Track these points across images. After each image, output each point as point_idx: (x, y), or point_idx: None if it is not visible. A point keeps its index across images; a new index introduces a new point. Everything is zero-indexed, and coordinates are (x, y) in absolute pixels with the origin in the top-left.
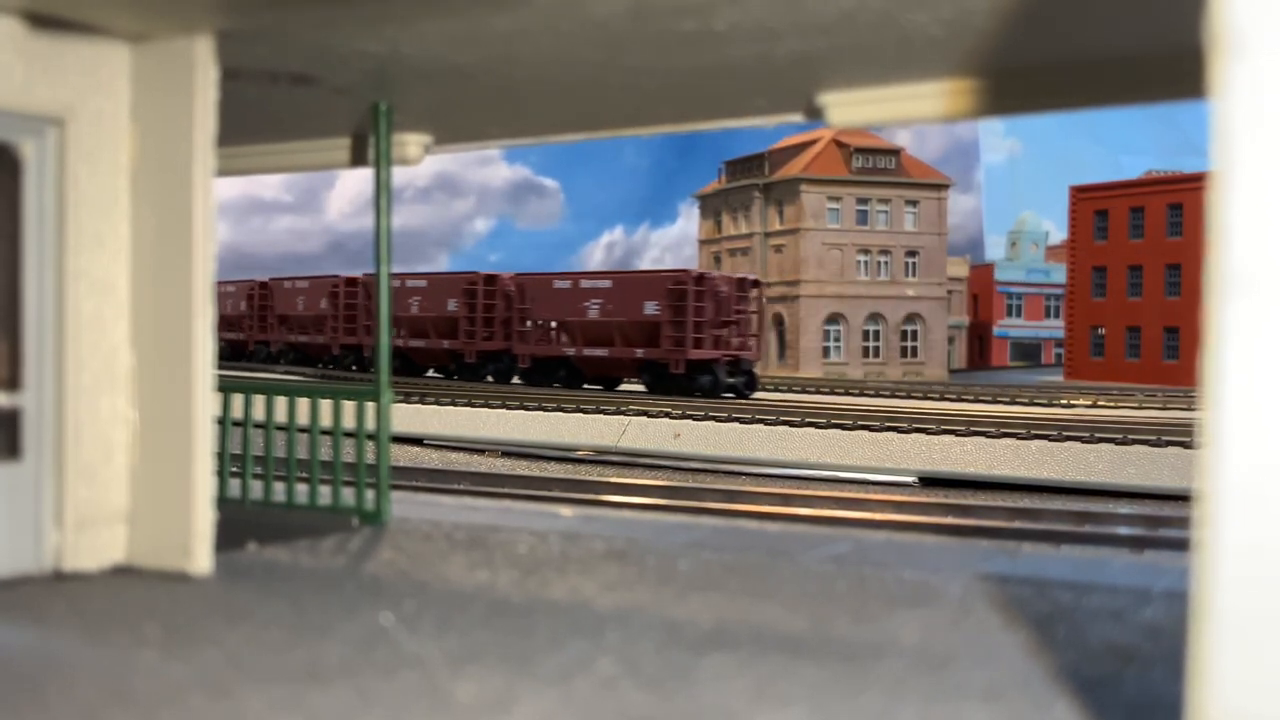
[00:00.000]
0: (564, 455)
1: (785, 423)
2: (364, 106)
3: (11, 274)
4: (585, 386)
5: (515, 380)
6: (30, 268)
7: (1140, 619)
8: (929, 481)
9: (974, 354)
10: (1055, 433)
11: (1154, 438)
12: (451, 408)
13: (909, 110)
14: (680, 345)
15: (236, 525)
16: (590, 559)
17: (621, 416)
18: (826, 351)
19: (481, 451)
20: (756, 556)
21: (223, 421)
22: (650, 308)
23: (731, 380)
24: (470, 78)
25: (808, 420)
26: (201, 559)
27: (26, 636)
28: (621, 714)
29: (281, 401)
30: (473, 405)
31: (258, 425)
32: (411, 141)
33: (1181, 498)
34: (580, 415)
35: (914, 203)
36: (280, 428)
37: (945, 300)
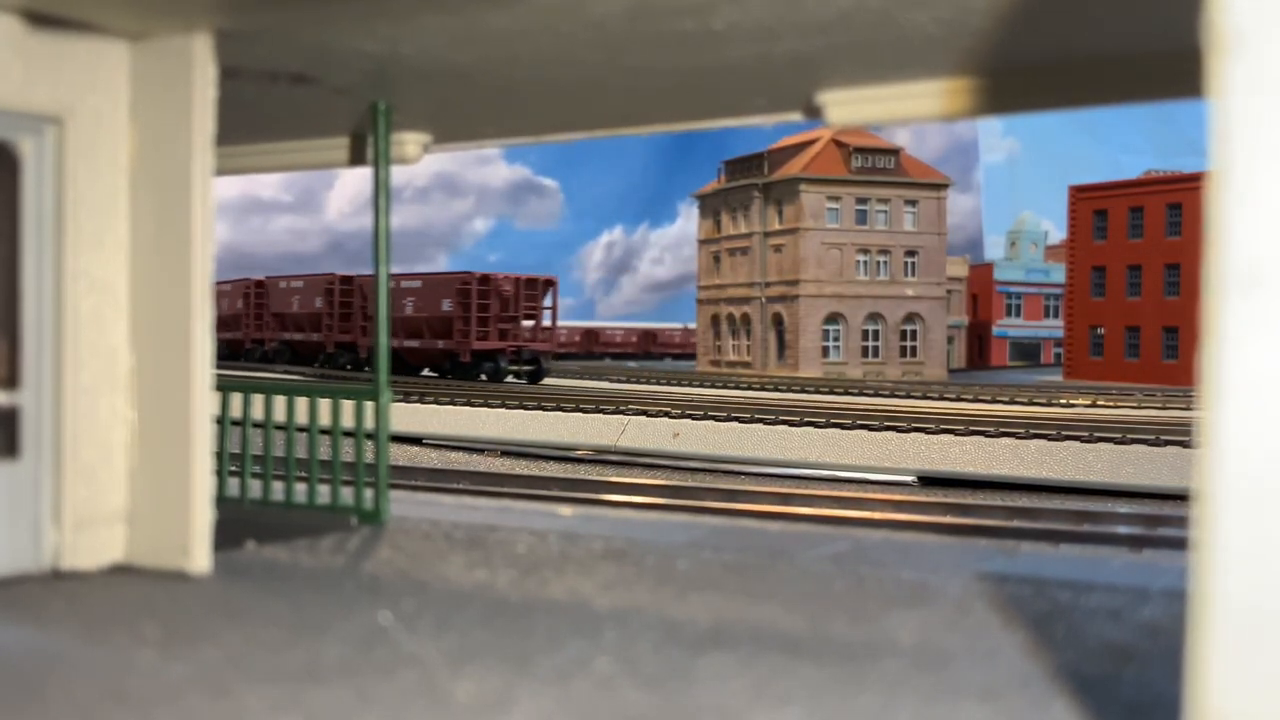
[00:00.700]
0: (563, 455)
1: (784, 422)
2: (363, 106)
3: (10, 273)
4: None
5: (366, 369)
6: (29, 267)
7: (1139, 618)
8: (928, 481)
9: (973, 354)
10: (1054, 432)
11: (1153, 437)
12: (451, 407)
13: (908, 109)
14: (467, 337)
15: (235, 524)
16: (589, 558)
17: (620, 416)
18: (826, 351)
19: (480, 451)
20: (755, 556)
21: (222, 421)
22: (446, 305)
23: (513, 368)
24: (469, 77)
25: (807, 420)
26: (200, 558)
27: (25, 636)
28: (620, 713)
29: (280, 401)
30: (472, 405)
31: (256, 425)
32: (410, 141)
33: (1180, 497)
34: (579, 415)
35: (913, 202)
36: (279, 427)
37: (944, 300)
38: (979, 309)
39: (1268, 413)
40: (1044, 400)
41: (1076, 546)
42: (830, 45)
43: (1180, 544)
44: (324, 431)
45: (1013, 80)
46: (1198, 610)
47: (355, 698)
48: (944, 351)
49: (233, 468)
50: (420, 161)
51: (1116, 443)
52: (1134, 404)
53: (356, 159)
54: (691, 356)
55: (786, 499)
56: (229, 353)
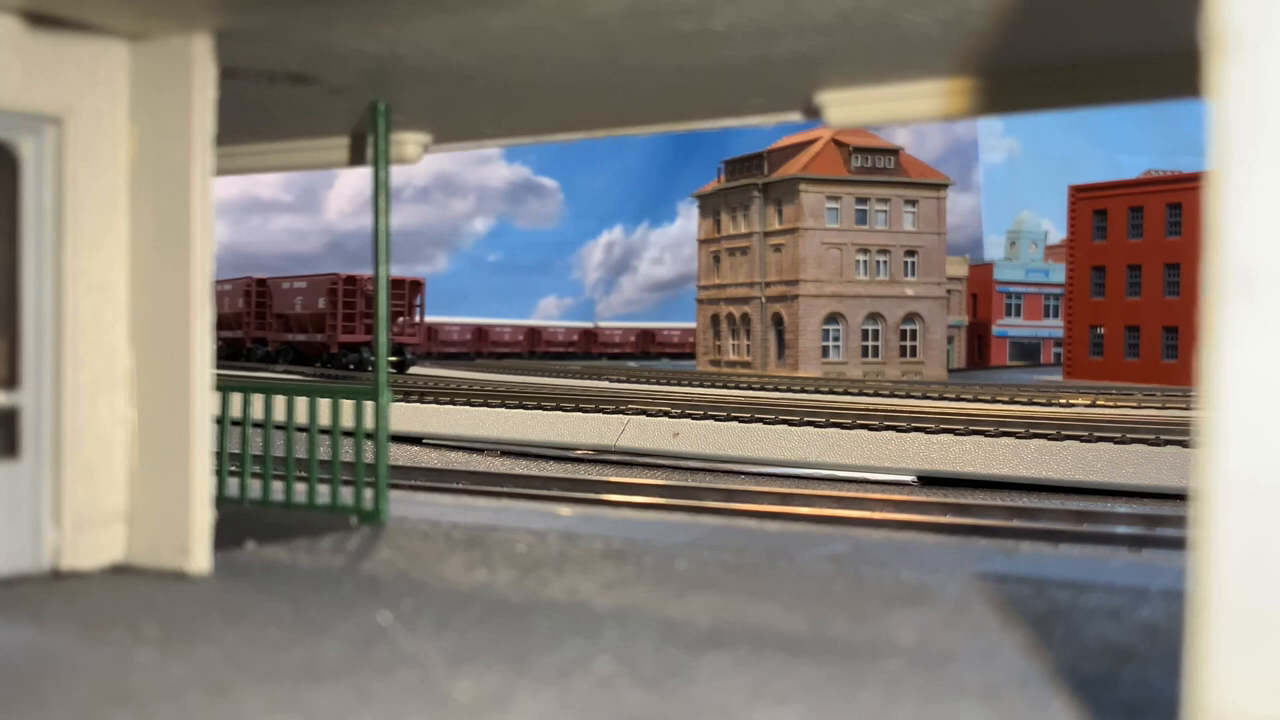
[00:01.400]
0: (563, 454)
1: (784, 422)
2: (362, 106)
3: (10, 273)
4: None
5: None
6: (29, 267)
7: (1138, 618)
8: (928, 480)
9: (973, 353)
10: (1054, 432)
11: (1152, 437)
12: (450, 406)
13: (907, 109)
14: (335, 331)
15: (235, 524)
16: (588, 558)
17: (620, 416)
18: (825, 351)
19: (480, 451)
20: (754, 556)
21: (221, 421)
22: (321, 303)
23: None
24: (469, 77)
25: (806, 419)
26: (200, 558)
27: (25, 635)
28: (619, 713)
29: (280, 400)
30: (471, 405)
31: (256, 424)
32: (410, 141)
33: (1180, 497)
34: (579, 414)
35: (913, 202)
36: (279, 427)
37: (944, 300)
38: (979, 309)
39: (1267, 413)
40: (1044, 400)
41: (1076, 546)
42: (830, 45)
43: (1180, 544)
44: (324, 431)
45: (1013, 80)
46: (1197, 610)
47: (354, 697)
48: (944, 351)
49: (232, 468)
50: (420, 161)
51: (1116, 442)
52: (1134, 404)
53: (356, 159)
54: (690, 356)
55: (786, 499)
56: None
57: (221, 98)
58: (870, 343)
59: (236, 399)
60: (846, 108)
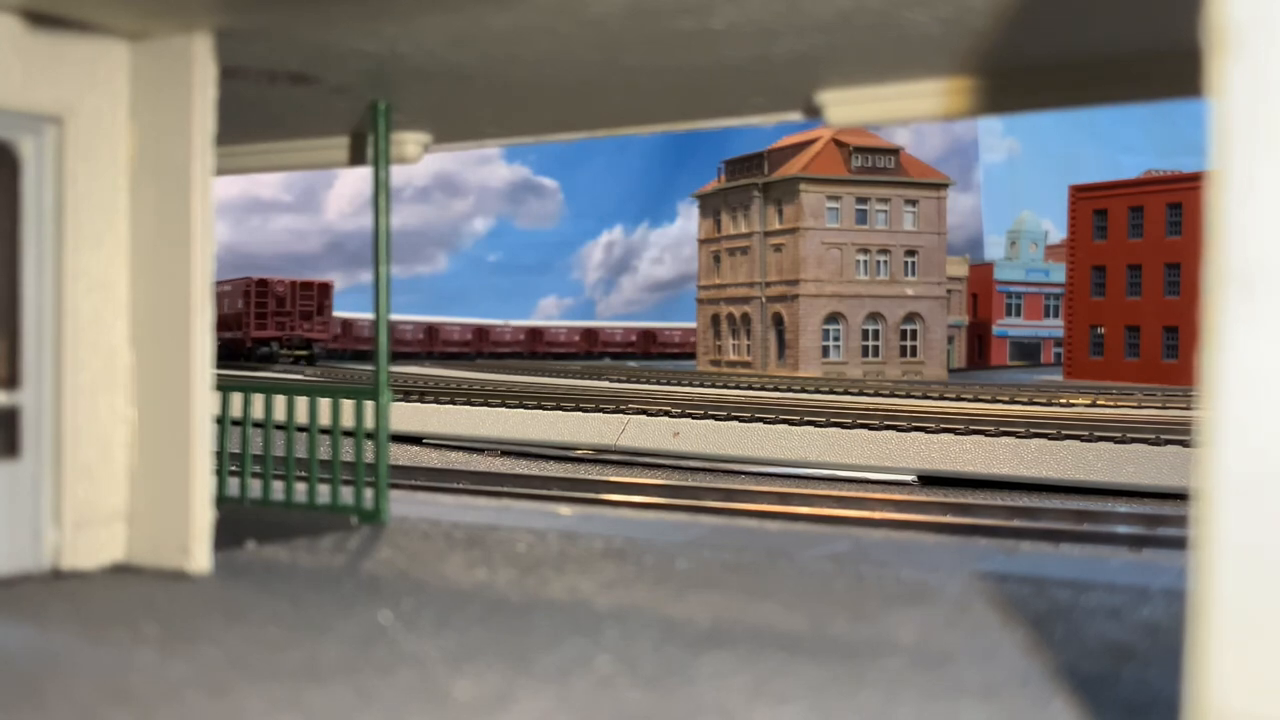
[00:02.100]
0: (563, 454)
1: (784, 421)
2: (362, 105)
3: (10, 272)
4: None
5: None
6: (29, 266)
7: (1138, 617)
8: (928, 480)
9: (973, 353)
10: (1054, 431)
11: (1153, 436)
12: (450, 406)
13: (907, 109)
14: (248, 328)
15: (235, 524)
16: (588, 558)
17: (620, 415)
18: (826, 351)
19: (481, 451)
20: (755, 555)
21: (221, 420)
22: (240, 303)
23: (285, 352)
24: (469, 77)
25: (807, 419)
26: (200, 557)
27: (25, 635)
28: (619, 712)
29: (280, 400)
30: (471, 405)
31: (256, 425)
32: (410, 140)
33: (1180, 496)
34: (579, 414)
35: (913, 202)
36: (279, 427)
37: (944, 300)
38: (979, 309)
39: (1267, 412)
40: (1044, 400)
41: (1076, 546)
42: (830, 44)
43: (1180, 543)
44: (324, 431)
45: (1013, 80)
46: (1197, 609)
47: (355, 696)
48: (944, 351)
49: (233, 467)
50: (420, 161)
51: (1116, 442)
52: (1134, 403)
53: (356, 159)
54: (690, 356)
55: (786, 498)
56: None
57: (222, 97)
58: (870, 343)
59: (237, 399)
60: (847, 107)
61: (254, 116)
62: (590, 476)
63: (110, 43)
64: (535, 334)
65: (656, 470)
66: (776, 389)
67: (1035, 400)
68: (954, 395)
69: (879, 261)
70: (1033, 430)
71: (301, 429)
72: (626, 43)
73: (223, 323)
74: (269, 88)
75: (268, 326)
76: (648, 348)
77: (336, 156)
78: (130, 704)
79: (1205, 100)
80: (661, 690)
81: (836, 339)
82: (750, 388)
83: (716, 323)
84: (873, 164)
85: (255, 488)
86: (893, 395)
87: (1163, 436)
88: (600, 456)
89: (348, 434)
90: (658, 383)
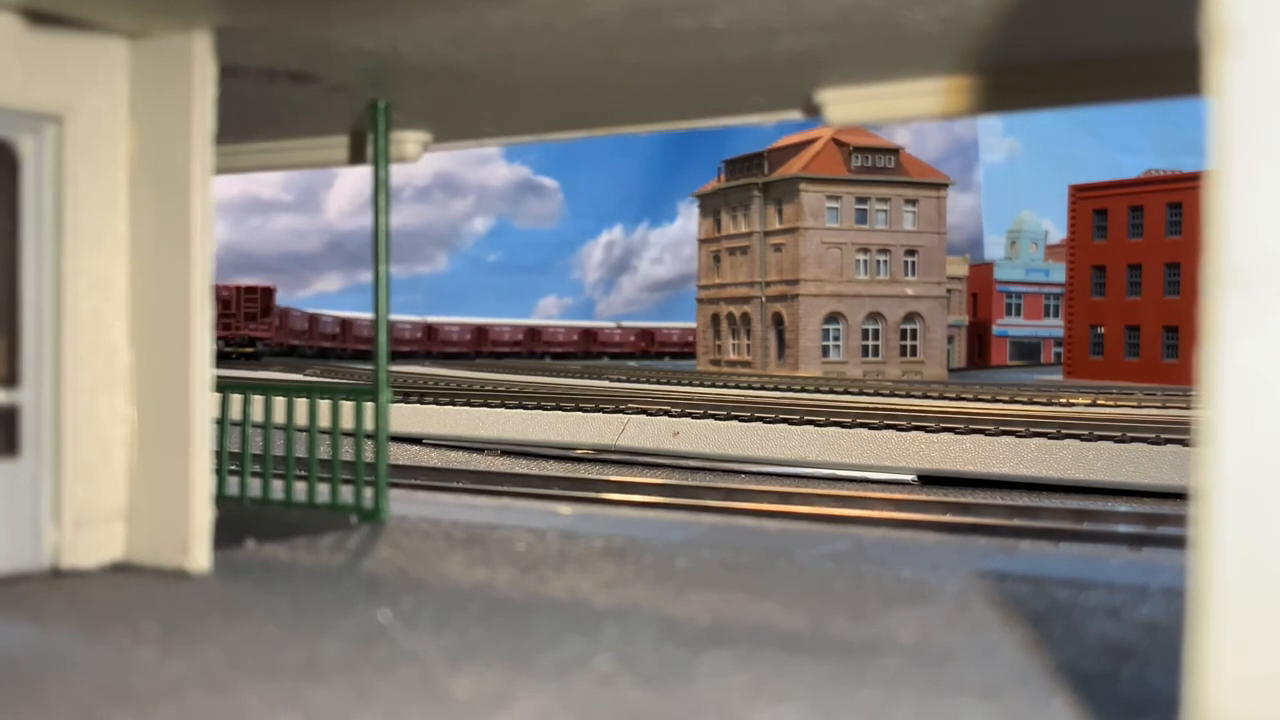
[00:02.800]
0: (563, 454)
1: (784, 421)
2: (362, 104)
3: (10, 272)
4: None
5: None
6: (29, 266)
7: (1138, 616)
8: (928, 479)
9: (973, 353)
10: (1054, 431)
11: (1153, 435)
12: (450, 407)
13: (907, 108)
14: None
15: (235, 523)
16: (588, 557)
17: (620, 415)
18: (826, 350)
19: (480, 451)
20: (754, 554)
21: (221, 420)
22: None
23: (230, 349)
24: (468, 75)
25: (806, 418)
26: (200, 556)
27: (25, 634)
28: (619, 711)
29: (280, 400)
30: (471, 405)
31: (256, 425)
32: (410, 139)
33: (1180, 495)
34: (579, 414)
35: (913, 202)
36: (279, 427)
37: (944, 299)
38: (979, 308)
39: (1266, 411)
40: (1044, 399)
41: (1076, 545)
42: (829, 43)
43: (1180, 542)
44: (324, 431)
45: (1013, 79)
46: (1196, 608)
47: (354, 695)
48: (944, 351)
49: (232, 466)
50: (420, 160)
51: (1116, 441)
52: (1134, 403)
53: (356, 158)
54: (690, 355)
55: (786, 498)
56: None
57: (221, 96)
58: (870, 342)
59: (236, 398)
60: (846, 106)
61: (254, 115)
62: (590, 476)
63: (110, 41)
64: (534, 333)
65: (656, 470)
66: (776, 388)
67: (1035, 400)
68: (954, 395)
69: (879, 261)
70: (1032, 430)
71: (301, 430)
72: (626, 41)
73: None
74: (269, 86)
75: (215, 327)
76: (646, 347)
77: (336, 156)
78: (130, 703)
79: (1205, 100)
80: (661, 689)
81: (836, 339)
82: (750, 387)
83: (716, 322)
84: (873, 164)
85: (255, 487)
86: (892, 395)
87: (1162, 436)
88: (600, 456)
89: (348, 434)
90: (658, 382)
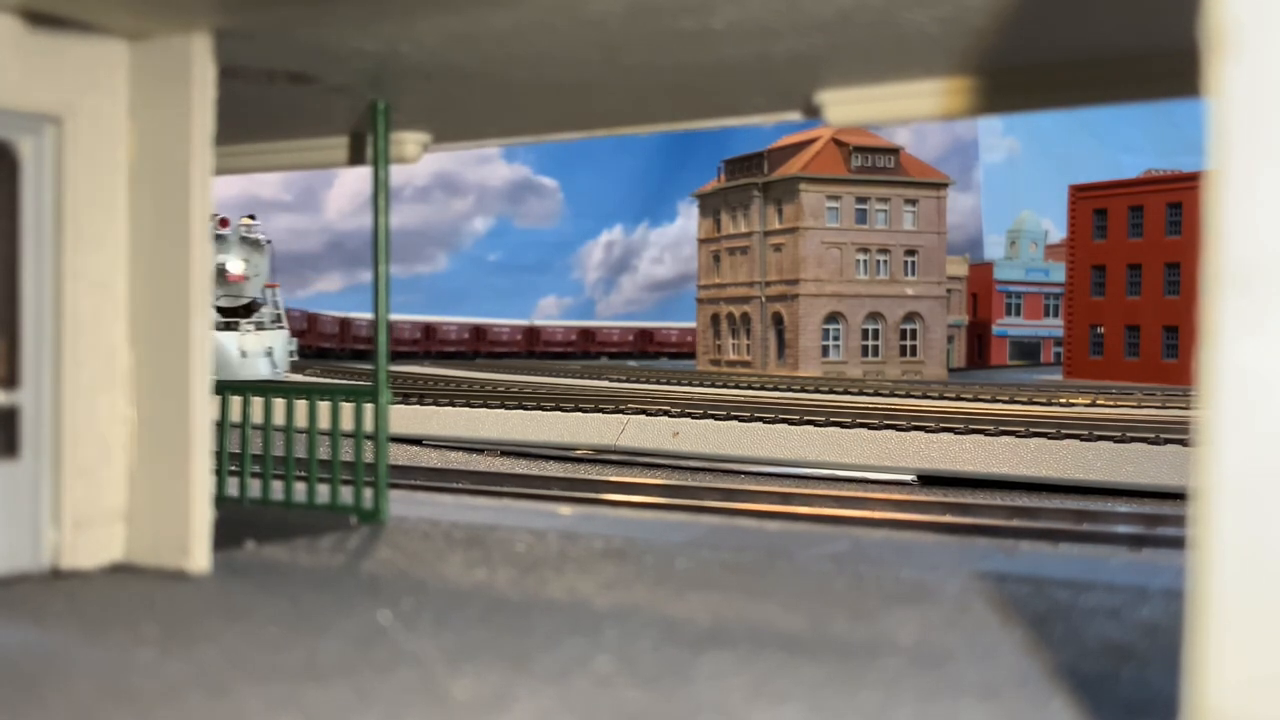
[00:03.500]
0: (563, 454)
1: (784, 421)
2: (362, 105)
3: (10, 273)
4: None
5: None
6: (28, 266)
7: (1138, 617)
8: (927, 480)
9: (973, 353)
10: (1054, 431)
11: (1152, 435)
12: (450, 408)
13: (907, 109)
14: None
15: (235, 524)
16: (588, 557)
17: (620, 415)
18: (825, 350)
19: (480, 451)
20: (754, 555)
21: (221, 421)
22: None
23: None
24: (468, 76)
25: (806, 419)
26: (200, 557)
27: (24, 635)
28: (619, 711)
29: (280, 401)
30: (471, 406)
31: (256, 426)
32: (410, 140)
33: (1179, 496)
34: (579, 414)
35: (913, 202)
36: (279, 428)
37: (944, 299)
38: (979, 308)
39: (1266, 411)
40: (1044, 399)
41: (1076, 545)
42: (830, 44)
43: (1179, 543)
44: (324, 432)
45: (1012, 80)
46: (1196, 609)
47: (354, 696)
48: (944, 351)
49: (232, 467)
50: (420, 161)
51: (1116, 441)
52: (1134, 403)
53: (356, 158)
54: (689, 355)
55: (786, 498)
56: None
57: (221, 97)
58: (870, 342)
59: (236, 399)
60: (846, 107)
61: (254, 116)
62: (590, 477)
63: (110, 42)
64: (533, 333)
65: (656, 470)
66: (776, 388)
67: (1035, 400)
68: (954, 395)
69: (879, 261)
70: (1032, 430)
71: (301, 431)
72: (626, 42)
73: None
74: (268, 87)
75: None
76: (645, 347)
77: (336, 156)
78: (130, 704)
79: (1205, 100)
80: (661, 690)
81: (836, 339)
82: (750, 387)
83: (716, 322)
84: (872, 164)
85: (255, 487)
86: (892, 395)
87: (1162, 436)
88: (600, 456)
89: (348, 435)
90: (657, 382)
